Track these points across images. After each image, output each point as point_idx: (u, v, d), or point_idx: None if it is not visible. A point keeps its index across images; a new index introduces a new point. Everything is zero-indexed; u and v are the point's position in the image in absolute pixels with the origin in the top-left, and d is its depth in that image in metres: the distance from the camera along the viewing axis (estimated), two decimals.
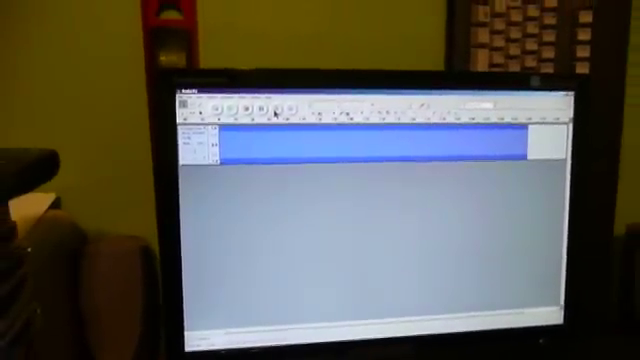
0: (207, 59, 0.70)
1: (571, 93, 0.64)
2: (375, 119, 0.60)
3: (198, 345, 0.60)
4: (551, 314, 0.67)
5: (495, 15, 0.71)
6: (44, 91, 0.70)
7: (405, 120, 0.61)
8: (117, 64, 0.70)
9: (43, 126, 0.71)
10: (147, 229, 0.65)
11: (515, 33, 0.72)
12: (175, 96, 0.56)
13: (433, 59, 0.75)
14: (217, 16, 0.71)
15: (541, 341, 0.68)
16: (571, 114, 0.64)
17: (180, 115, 0.57)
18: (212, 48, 0.71)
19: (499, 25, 0.71)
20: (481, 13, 0.71)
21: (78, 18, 0.69)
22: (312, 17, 0.73)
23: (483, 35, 0.71)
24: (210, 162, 0.58)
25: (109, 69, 0.70)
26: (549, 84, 0.64)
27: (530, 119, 0.64)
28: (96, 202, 0.73)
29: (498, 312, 0.66)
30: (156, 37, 0.69)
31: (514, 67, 0.72)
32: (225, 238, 0.59)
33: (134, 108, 0.69)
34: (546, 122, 0.64)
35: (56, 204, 0.71)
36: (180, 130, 0.57)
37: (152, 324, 0.66)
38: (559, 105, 0.64)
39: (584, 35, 0.72)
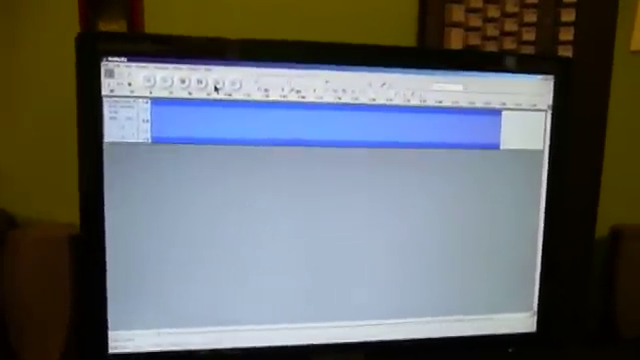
0: (153, 30, 0.64)
1: (550, 77, 0.58)
2: (329, 98, 0.53)
3: (123, 347, 0.53)
4: (522, 321, 0.61)
5: None
6: None
7: (363, 100, 0.54)
8: (48, 34, 0.63)
9: None
10: None
11: (493, 12, 0.65)
12: (100, 64, 0.50)
13: (405, 38, 0.69)
14: None
15: (511, 350, 0.61)
16: (550, 101, 0.58)
17: (106, 86, 0.50)
18: (159, 16, 0.64)
19: (475, 3, 0.65)
20: None
21: None
22: None
23: (458, 13, 0.65)
24: (140, 140, 0.51)
25: (39, 39, 0.63)
26: (526, 66, 0.58)
27: (504, 104, 0.57)
28: (28, 187, 0.66)
29: (465, 317, 0.60)
30: (94, 2, 0.62)
31: (491, 49, 0.66)
32: (157, 227, 0.52)
33: (66, 82, 0.62)
34: (522, 108, 0.58)
35: None
36: (106, 103, 0.50)
37: (81, 320, 0.60)
38: (537, 90, 0.58)
39: (568, 16, 0.65)
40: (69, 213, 0.62)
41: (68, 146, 0.63)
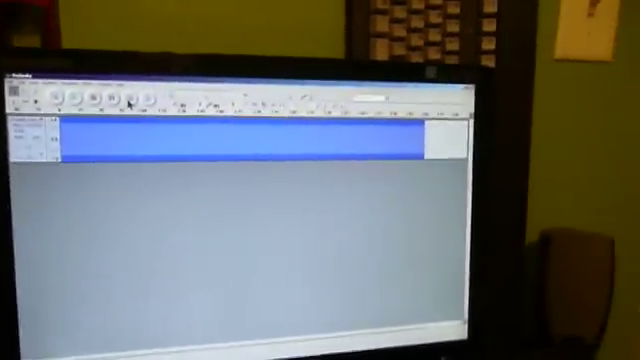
0: (70, 45, 0.61)
1: (471, 86, 0.59)
2: (249, 112, 0.53)
3: None
4: (454, 329, 0.62)
5: (395, 2, 0.65)
6: None
7: (284, 113, 0.53)
8: None
9: None
10: None
11: (417, 22, 0.66)
12: (3, 81, 0.47)
13: (332, 49, 0.68)
14: None
15: (443, 358, 0.61)
16: (472, 109, 0.59)
17: (10, 104, 0.48)
18: (75, 33, 0.62)
19: (400, 13, 0.65)
20: (380, 0, 0.65)
21: None
22: None
23: (382, 24, 0.65)
24: (49, 159, 0.49)
25: None
26: (447, 76, 0.58)
27: (427, 114, 0.58)
28: None
29: (397, 328, 0.60)
30: (8, 15, 0.59)
31: (417, 59, 0.66)
32: (68, 248, 0.50)
33: None
34: (444, 118, 0.58)
35: None
36: (10, 121, 0.48)
37: None
38: (458, 99, 0.58)
39: (489, 26, 0.67)
40: None
41: None
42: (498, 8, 0.67)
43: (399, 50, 0.66)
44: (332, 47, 0.68)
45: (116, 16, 0.64)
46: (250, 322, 0.55)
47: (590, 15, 0.73)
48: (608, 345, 0.73)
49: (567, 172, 0.78)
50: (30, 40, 0.60)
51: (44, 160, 0.49)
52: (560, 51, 0.74)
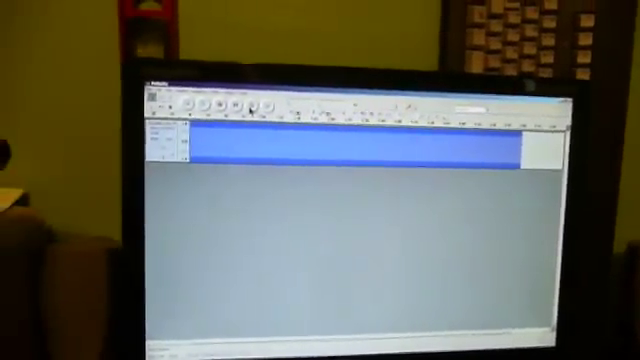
0: (187, 53, 0.67)
1: (569, 99, 0.60)
2: (358, 120, 0.56)
3: (160, 356, 0.56)
4: (542, 335, 0.63)
5: (492, 16, 0.67)
6: (14, 84, 0.67)
7: (390, 122, 0.57)
8: (91, 57, 0.67)
9: (13, 120, 0.68)
10: (119, 230, 0.61)
11: (512, 36, 0.68)
12: (143, 88, 0.53)
13: (427, 61, 0.71)
14: (198, 7, 0.67)
15: None
16: (569, 122, 0.60)
17: (148, 109, 0.53)
18: (192, 41, 0.67)
19: (496, 27, 0.67)
20: (476, 14, 0.67)
21: (50, 7, 0.66)
22: (300, 12, 0.69)
23: (478, 37, 0.67)
24: (179, 159, 0.54)
25: (83, 62, 0.67)
26: (545, 89, 0.60)
27: (524, 126, 0.60)
28: (67, 200, 0.70)
29: (484, 331, 0.62)
30: (133, 29, 0.65)
31: (511, 71, 0.68)
32: (193, 242, 0.55)
33: (109, 103, 0.66)
34: (542, 130, 0.60)
35: (23, 201, 0.68)
36: (148, 125, 0.53)
37: (117, 331, 0.63)
38: (556, 112, 0.60)
39: (585, 40, 0.68)
40: (105, 227, 0.66)
41: (106, 163, 0.67)
42: (595, 22, 0.68)
43: (494, 63, 0.68)
44: (426, 59, 0.71)
45: (226, 28, 0.69)
46: (346, 319, 0.58)
47: None
48: None
49: None
50: (153, 50, 0.66)
51: (175, 160, 0.54)
52: None
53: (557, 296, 0.63)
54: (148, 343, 0.55)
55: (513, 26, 0.68)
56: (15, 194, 0.66)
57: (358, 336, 0.59)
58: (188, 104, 0.54)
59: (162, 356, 0.56)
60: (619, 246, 0.74)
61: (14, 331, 0.60)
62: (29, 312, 0.61)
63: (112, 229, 0.63)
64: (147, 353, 0.55)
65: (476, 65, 0.68)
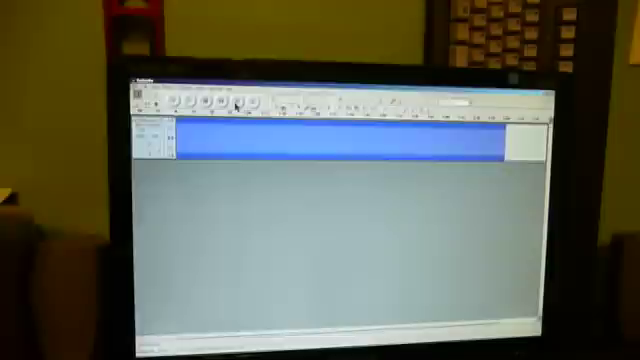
0: (173, 50, 0.67)
1: (552, 92, 0.61)
2: (343, 115, 0.57)
3: (150, 351, 0.56)
4: (528, 325, 0.64)
5: (475, 10, 0.68)
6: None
7: (375, 116, 0.57)
8: (77, 55, 0.67)
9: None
10: (108, 227, 0.62)
11: (496, 30, 0.68)
12: (129, 85, 0.53)
13: (411, 55, 0.72)
14: (184, 5, 0.67)
15: (517, 353, 0.64)
16: (551, 114, 0.61)
17: (134, 106, 0.54)
18: (178, 38, 0.67)
19: (479, 21, 0.68)
20: (460, 8, 0.68)
21: (35, 5, 0.66)
22: (284, 8, 0.70)
23: (462, 31, 0.68)
24: (166, 156, 0.54)
25: (69, 60, 0.67)
26: (528, 82, 0.61)
27: (508, 119, 0.60)
28: (55, 199, 0.70)
29: (472, 322, 0.63)
30: (119, 27, 0.66)
31: (494, 65, 0.69)
32: (182, 237, 0.55)
33: (95, 101, 0.66)
34: (525, 122, 0.61)
35: (12, 200, 0.68)
36: (134, 122, 0.54)
37: (108, 327, 0.63)
38: (539, 104, 0.61)
39: (568, 33, 0.69)
40: (94, 225, 0.66)
41: (93, 160, 0.67)
42: (577, 15, 0.68)
43: (478, 57, 0.68)
44: (410, 54, 0.72)
45: (212, 25, 0.69)
46: (333, 311, 0.59)
47: None
48: None
49: None
50: (139, 48, 0.66)
51: (161, 157, 0.54)
52: (635, 57, 0.75)
53: (542, 286, 0.64)
54: (138, 338, 0.56)
55: (496, 20, 0.68)
56: (3, 193, 0.66)
57: (347, 329, 0.59)
58: (174, 101, 0.54)
59: (152, 351, 0.56)
60: (604, 237, 0.76)
61: (4, 329, 0.61)
62: (19, 309, 0.61)
63: (101, 227, 0.63)
64: (137, 348, 0.56)
65: (460, 59, 0.68)
